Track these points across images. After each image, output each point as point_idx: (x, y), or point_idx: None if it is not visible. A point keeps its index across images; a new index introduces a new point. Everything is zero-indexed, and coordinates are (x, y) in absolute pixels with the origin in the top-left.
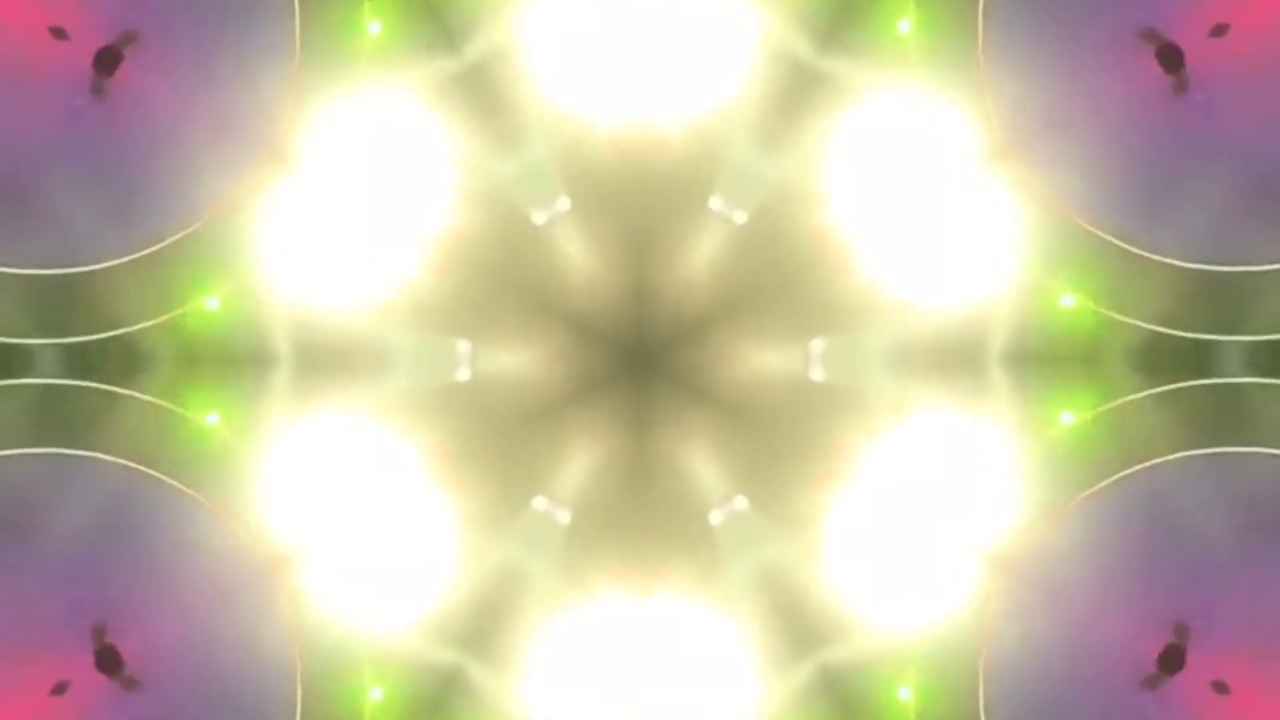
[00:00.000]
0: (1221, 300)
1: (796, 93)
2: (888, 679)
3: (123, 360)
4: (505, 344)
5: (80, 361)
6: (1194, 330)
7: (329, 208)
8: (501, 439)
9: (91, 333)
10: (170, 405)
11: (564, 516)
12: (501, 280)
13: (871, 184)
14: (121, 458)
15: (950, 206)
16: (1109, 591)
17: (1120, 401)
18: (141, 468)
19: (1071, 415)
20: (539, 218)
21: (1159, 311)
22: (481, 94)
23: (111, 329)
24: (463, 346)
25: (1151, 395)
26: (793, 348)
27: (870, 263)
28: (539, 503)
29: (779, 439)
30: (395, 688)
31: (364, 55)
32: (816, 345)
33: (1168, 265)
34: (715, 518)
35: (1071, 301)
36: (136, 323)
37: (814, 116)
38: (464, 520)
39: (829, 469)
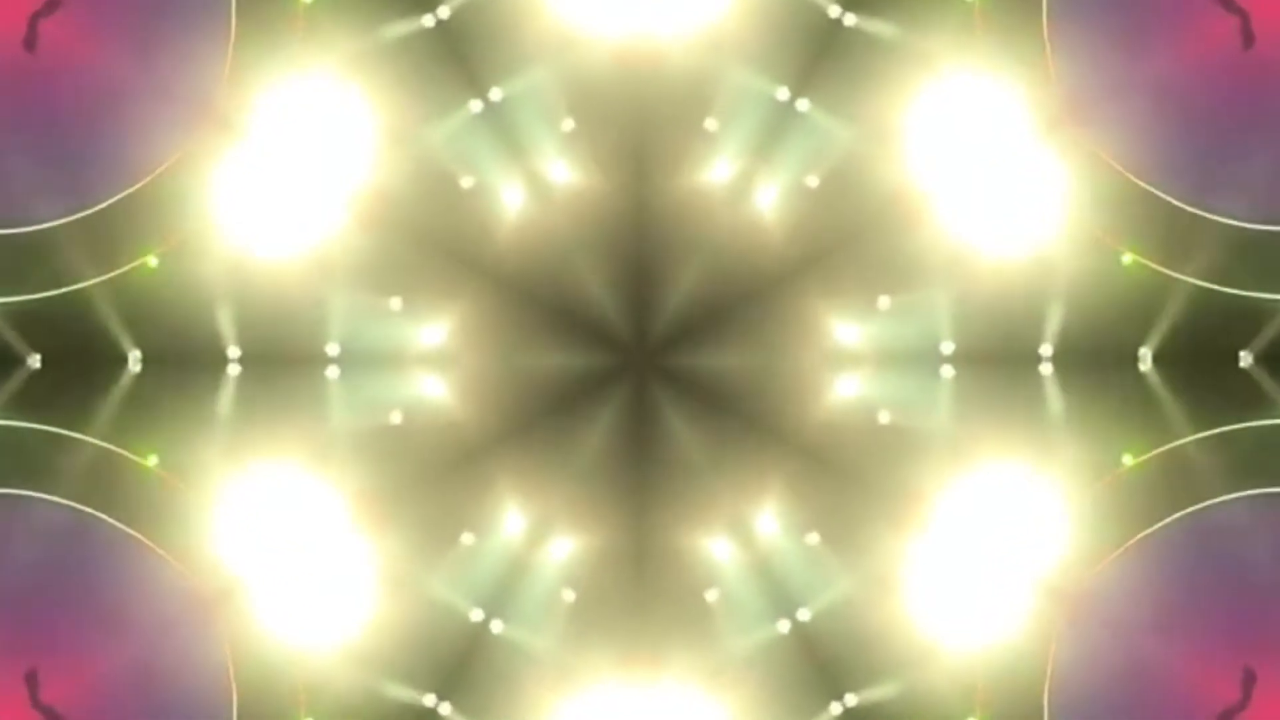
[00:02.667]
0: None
1: (843, 50)
2: (955, 708)
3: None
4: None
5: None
6: (1250, 289)
7: (276, 178)
8: (433, 481)
9: (34, 292)
10: (113, 446)
11: (568, 595)
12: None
13: (932, 145)
14: (61, 496)
15: (1009, 168)
16: (1170, 628)
17: (1180, 442)
18: (79, 506)
19: (1130, 456)
20: (467, 181)
21: (1216, 271)
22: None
23: (53, 288)
24: (394, 303)
25: (1212, 435)
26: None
27: (930, 230)
28: (466, 539)
29: (841, 467)
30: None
31: (299, 20)
32: (883, 301)
33: (1227, 225)
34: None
35: (1129, 260)
36: (77, 282)
37: (872, 74)
38: (406, 553)
39: (890, 500)
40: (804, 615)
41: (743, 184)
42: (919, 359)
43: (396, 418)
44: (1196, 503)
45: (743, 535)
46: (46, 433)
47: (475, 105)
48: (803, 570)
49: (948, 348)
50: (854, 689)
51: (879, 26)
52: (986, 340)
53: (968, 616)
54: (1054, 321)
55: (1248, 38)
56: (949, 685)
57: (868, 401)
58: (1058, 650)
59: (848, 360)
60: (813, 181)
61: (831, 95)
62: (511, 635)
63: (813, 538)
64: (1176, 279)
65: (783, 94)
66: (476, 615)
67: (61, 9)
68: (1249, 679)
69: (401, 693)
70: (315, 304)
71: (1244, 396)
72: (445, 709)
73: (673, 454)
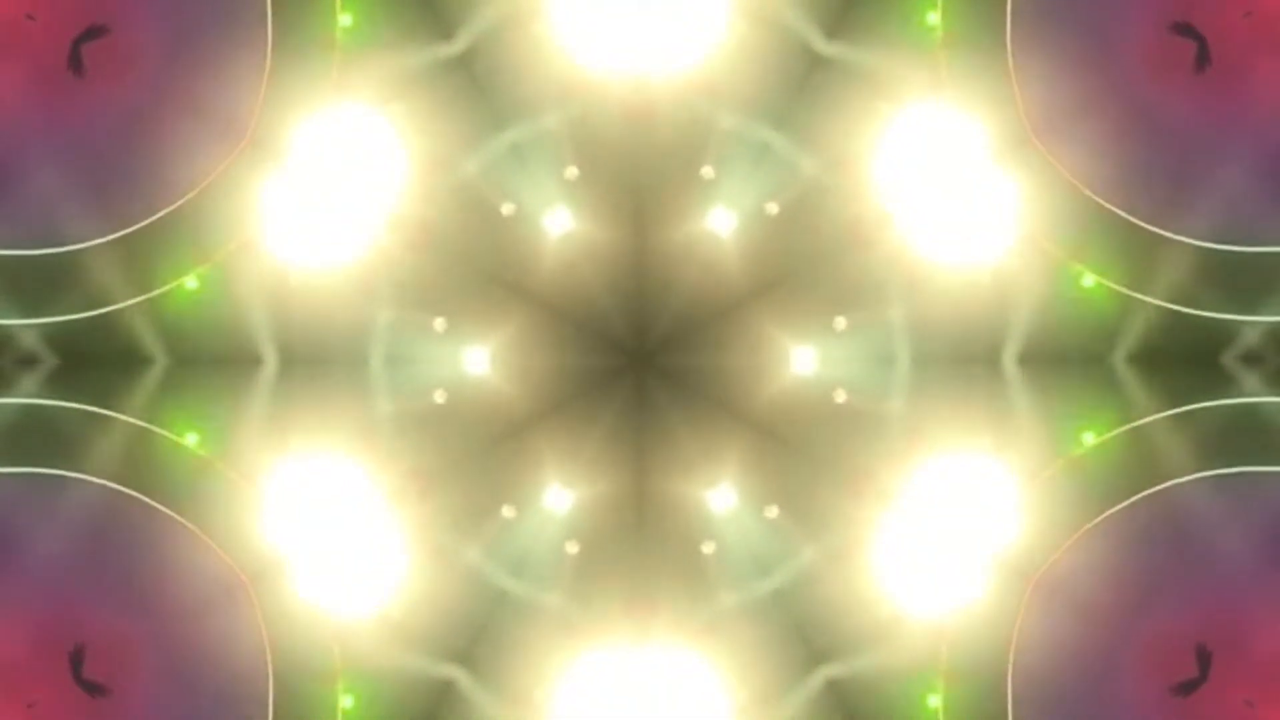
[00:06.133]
0: (1241, 281)
1: (816, 79)
2: (917, 686)
3: (106, 347)
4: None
5: (62, 344)
6: (1213, 310)
7: (314, 198)
8: (470, 463)
9: (73, 312)
10: (152, 425)
11: (572, 547)
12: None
13: (896, 170)
14: (102, 477)
15: (973, 189)
16: (1132, 607)
17: (1140, 422)
18: (120, 487)
19: (1092, 435)
20: (508, 209)
21: (1179, 291)
22: (477, 76)
23: (93, 308)
24: (438, 323)
25: (1170, 415)
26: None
27: (893, 249)
28: (507, 511)
29: (805, 451)
30: (366, 697)
31: (336, 46)
32: (840, 322)
33: (1189, 245)
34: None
35: (1091, 281)
36: (118, 302)
37: (837, 104)
38: (441, 530)
39: (855, 480)
40: (767, 588)
41: (725, 214)
42: (876, 361)
43: (440, 397)
44: (1158, 483)
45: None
46: (85, 412)
47: (509, 134)
48: (767, 545)
49: (903, 366)
50: (824, 662)
51: (844, 52)
52: (943, 360)
53: (933, 596)
54: (1014, 343)
55: (1202, 61)
56: (912, 664)
57: (829, 385)
58: (1021, 629)
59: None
60: (774, 208)
61: (798, 122)
62: (529, 595)
63: (773, 512)
64: (1139, 299)
65: (765, 132)
66: (508, 584)
67: (104, 35)
68: (1206, 655)
69: (437, 668)
70: (357, 321)
71: (1206, 378)
72: (474, 683)
73: (666, 435)
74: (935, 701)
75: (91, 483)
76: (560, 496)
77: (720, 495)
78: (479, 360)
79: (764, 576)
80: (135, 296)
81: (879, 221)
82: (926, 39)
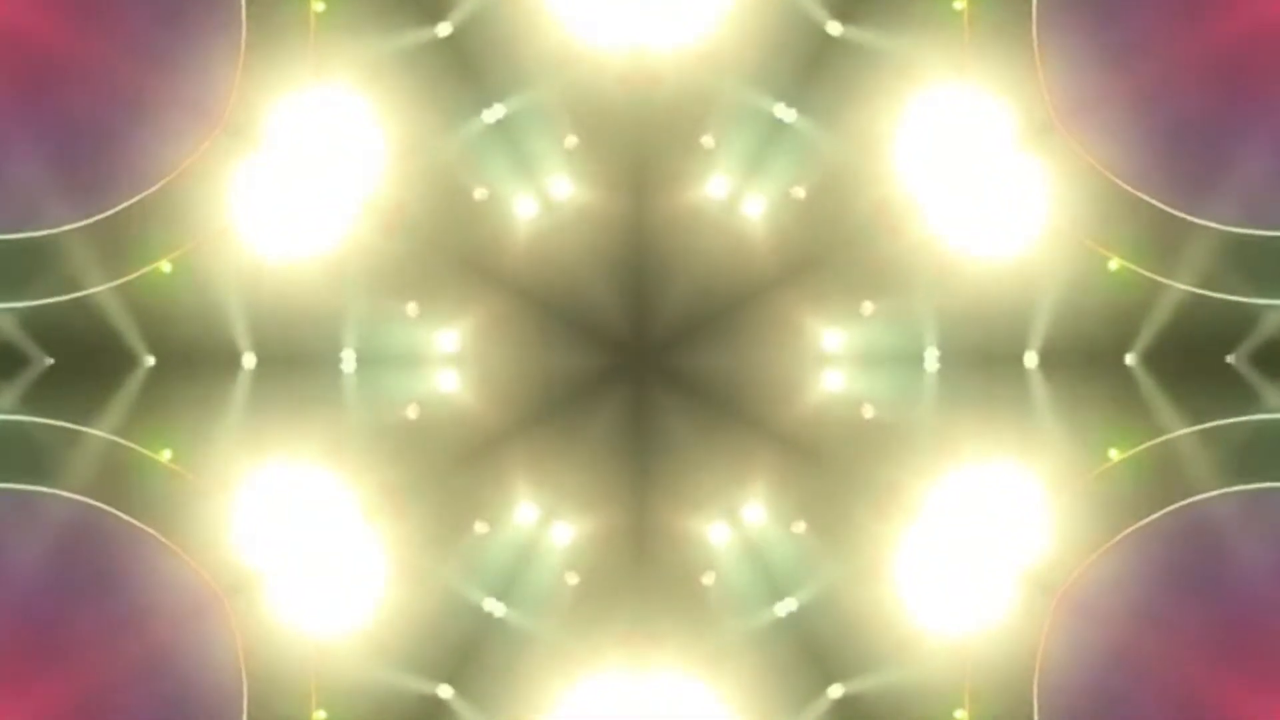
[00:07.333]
0: (1266, 264)
1: (836, 61)
2: (941, 703)
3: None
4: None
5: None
6: (1238, 294)
7: (288, 184)
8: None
9: (45, 296)
10: (125, 441)
11: (571, 578)
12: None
13: (919, 155)
14: (75, 492)
15: (997, 174)
16: (1155, 623)
17: (1166, 437)
18: (94, 502)
19: (1117, 451)
20: (480, 193)
21: (1203, 275)
22: (465, 57)
23: (65, 293)
24: (411, 308)
25: (1198, 430)
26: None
27: (917, 237)
28: (484, 529)
29: (831, 464)
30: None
31: (312, 29)
32: (867, 307)
33: (1212, 229)
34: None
35: (1115, 267)
36: (90, 287)
37: (858, 86)
38: (416, 545)
39: (879, 493)
40: (792, 605)
41: (736, 195)
42: (903, 362)
43: (413, 412)
44: (1182, 499)
45: (733, 525)
46: (58, 428)
47: (489, 115)
48: (790, 561)
49: (932, 355)
50: (842, 680)
51: (868, 36)
52: (971, 348)
53: (958, 610)
54: (1040, 328)
55: (1224, 47)
56: (938, 678)
57: (854, 397)
58: (1047, 644)
59: (835, 361)
60: (800, 192)
61: (821, 105)
62: (516, 620)
63: (799, 527)
64: (1164, 284)
65: (776, 107)
66: (489, 605)
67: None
68: (1226, 670)
69: (414, 683)
70: (330, 310)
71: (1232, 392)
72: (456, 699)
73: (669, 447)
74: (960, 717)
75: (62, 497)
76: (545, 518)
77: (733, 515)
78: (455, 360)
79: (782, 595)
80: (106, 284)
81: (901, 208)
82: (952, 21)
